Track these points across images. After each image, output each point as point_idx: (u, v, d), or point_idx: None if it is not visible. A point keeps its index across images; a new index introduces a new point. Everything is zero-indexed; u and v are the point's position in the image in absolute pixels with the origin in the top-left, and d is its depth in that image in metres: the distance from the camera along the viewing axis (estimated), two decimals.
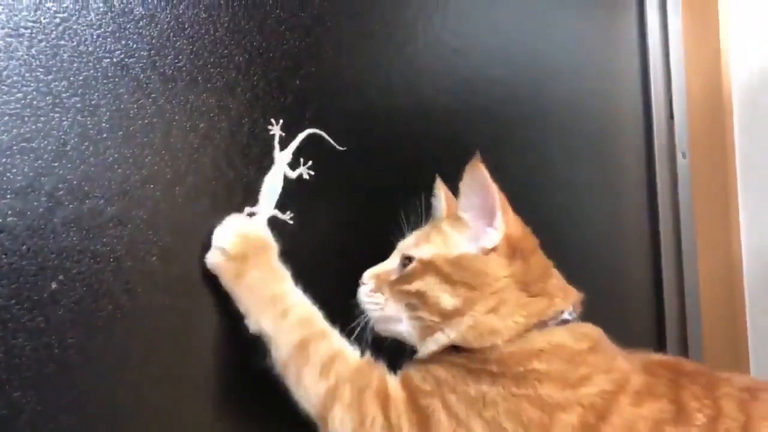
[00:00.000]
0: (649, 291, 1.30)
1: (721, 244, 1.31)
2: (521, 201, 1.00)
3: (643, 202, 1.31)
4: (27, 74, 0.58)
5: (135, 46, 0.64)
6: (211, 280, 0.66)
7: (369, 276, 0.70)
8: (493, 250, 0.66)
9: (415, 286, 0.65)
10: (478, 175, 0.66)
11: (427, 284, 0.65)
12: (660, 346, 1.28)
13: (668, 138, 1.34)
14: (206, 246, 0.66)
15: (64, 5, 0.60)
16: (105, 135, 0.62)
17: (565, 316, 0.66)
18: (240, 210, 0.69)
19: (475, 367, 0.61)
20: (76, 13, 0.60)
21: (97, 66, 0.62)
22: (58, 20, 0.59)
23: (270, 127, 0.73)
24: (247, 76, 0.72)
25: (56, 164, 0.59)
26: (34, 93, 0.58)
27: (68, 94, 0.60)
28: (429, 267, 0.66)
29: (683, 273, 1.33)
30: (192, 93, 0.68)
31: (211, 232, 0.67)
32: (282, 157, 0.72)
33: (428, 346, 0.65)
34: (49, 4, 0.59)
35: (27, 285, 0.56)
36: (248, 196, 0.71)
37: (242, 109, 0.71)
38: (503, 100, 1.03)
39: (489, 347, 0.62)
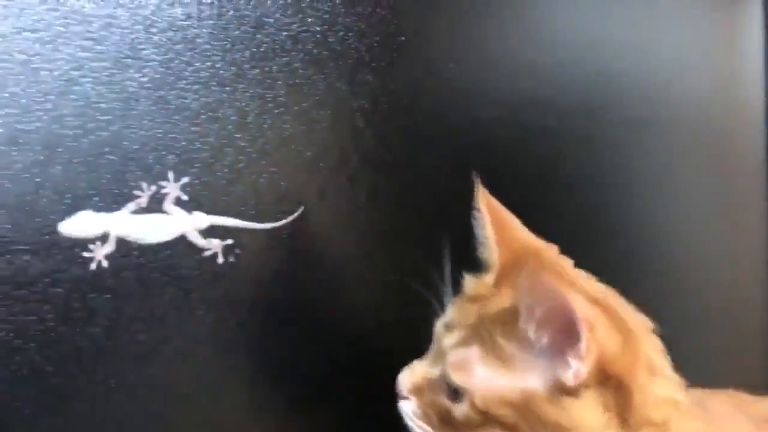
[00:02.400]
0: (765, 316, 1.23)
1: None
2: (623, 210, 0.96)
3: (762, 219, 1.24)
4: (215, 43, 0.57)
5: (309, 20, 0.63)
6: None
7: (409, 388, 0.50)
8: (578, 387, 0.44)
9: None
10: (543, 285, 0.43)
11: None
12: None
13: None
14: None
15: None
16: (282, 108, 0.60)
17: None
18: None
19: None
20: None
21: (275, 38, 0.60)
22: None
23: None
24: (408, 58, 0.70)
25: (238, 135, 0.58)
26: (220, 63, 0.57)
27: (249, 65, 0.59)
28: (488, 417, 0.46)
29: None
30: (358, 72, 0.66)
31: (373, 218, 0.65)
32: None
33: None
34: None
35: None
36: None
37: (401, 90, 0.69)
38: (613, 98, 0.98)
39: None
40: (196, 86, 0.55)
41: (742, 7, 1.21)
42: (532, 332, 0.44)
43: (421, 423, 0.49)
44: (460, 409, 0.46)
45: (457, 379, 0.46)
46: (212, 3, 0.56)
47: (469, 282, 0.51)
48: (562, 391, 0.43)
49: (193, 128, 0.55)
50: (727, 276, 1.16)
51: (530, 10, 0.83)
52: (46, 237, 0.49)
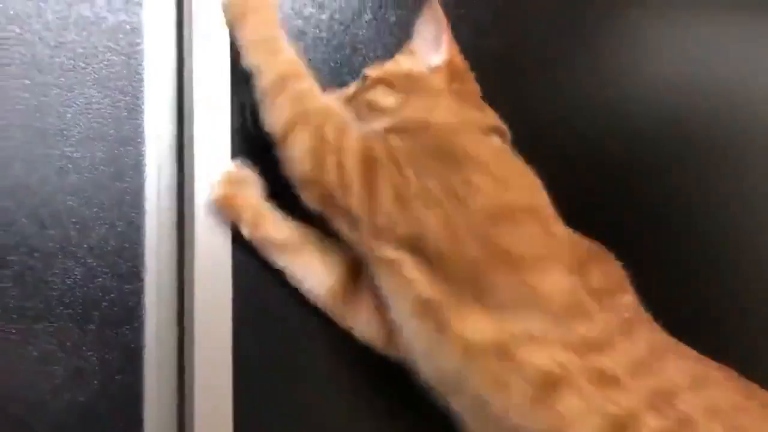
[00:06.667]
0: None
1: None
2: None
3: None
4: (332, 65, 0.92)
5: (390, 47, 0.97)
6: None
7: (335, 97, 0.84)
8: (437, 70, 0.80)
9: (366, 96, 0.81)
10: (434, 10, 0.81)
11: (375, 93, 0.81)
12: None
13: None
14: None
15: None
16: None
17: None
18: None
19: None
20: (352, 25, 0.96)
21: (366, 59, 0.94)
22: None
23: None
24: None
25: None
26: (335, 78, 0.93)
27: (350, 77, 0.92)
28: (379, 81, 0.81)
29: None
30: None
31: None
32: None
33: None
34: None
35: None
36: None
37: None
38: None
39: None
40: None
41: None
42: (420, 48, 0.83)
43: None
44: (365, 83, 0.82)
45: (369, 72, 0.83)
46: (328, 42, 0.95)
47: None
48: (427, 70, 0.81)
49: None
50: None
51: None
52: None
